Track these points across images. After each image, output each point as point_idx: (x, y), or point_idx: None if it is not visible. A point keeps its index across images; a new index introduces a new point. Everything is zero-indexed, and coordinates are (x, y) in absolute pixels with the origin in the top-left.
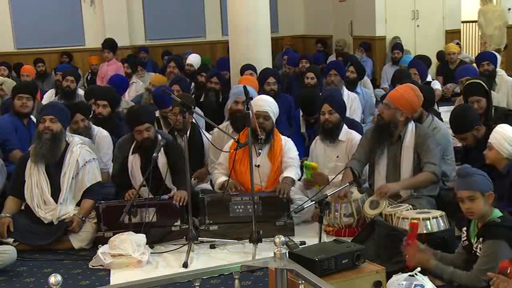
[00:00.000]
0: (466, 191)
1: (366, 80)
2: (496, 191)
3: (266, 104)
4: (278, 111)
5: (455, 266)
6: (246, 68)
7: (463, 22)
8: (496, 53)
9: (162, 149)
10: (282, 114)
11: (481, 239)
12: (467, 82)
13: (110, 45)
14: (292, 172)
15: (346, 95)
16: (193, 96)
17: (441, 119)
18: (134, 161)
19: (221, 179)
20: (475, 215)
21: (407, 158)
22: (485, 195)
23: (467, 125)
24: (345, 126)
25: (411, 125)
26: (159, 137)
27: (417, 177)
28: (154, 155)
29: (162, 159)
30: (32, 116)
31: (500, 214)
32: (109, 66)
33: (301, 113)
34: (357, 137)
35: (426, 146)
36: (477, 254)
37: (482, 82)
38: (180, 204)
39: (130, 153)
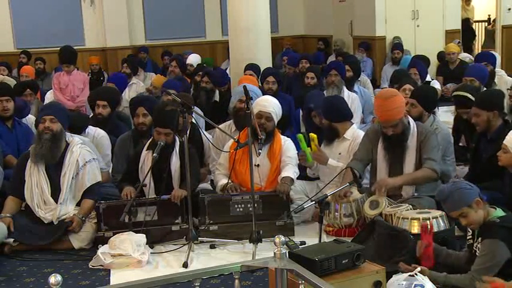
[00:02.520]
0: (454, 212)
1: (366, 79)
2: (506, 193)
3: (269, 105)
4: (281, 113)
5: (457, 266)
6: (248, 67)
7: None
8: (495, 53)
9: (177, 152)
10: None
11: (479, 239)
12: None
13: (68, 58)
14: (290, 171)
15: (347, 95)
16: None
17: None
18: (147, 157)
19: (222, 181)
20: (475, 225)
21: (410, 158)
22: (472, 205)
23: (488, 103)
24: (353, 125)
25: (412, 124)
26: (177, 140)
27: (416, 173)
28: (154, 155)
29: (176, 163)
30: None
31: (502, 214)
32: (72, 76)
33: (301, 113)
34: (362, 136)
35: (428, 143)
36: (476, 253)
37: (469, 96)
38: (177, 201)
39: (145, 148)
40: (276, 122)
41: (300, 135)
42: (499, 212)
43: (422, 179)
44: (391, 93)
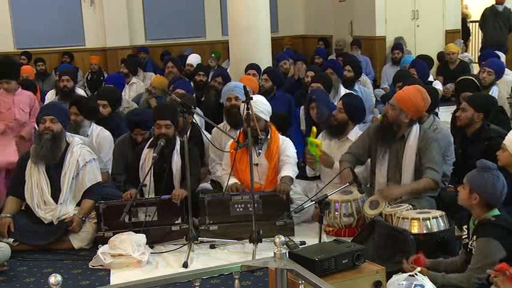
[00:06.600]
0: None
1: (366, 79)
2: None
3: (254, 105)
4: (270, 110)
5: (457, 269)
6: (250, 67)
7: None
8: (500, 53)
9: (178, 151)
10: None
11: (474, 237)
12: (461, 78)
13: (6, 72)
14: (289, 170)
15: (343, 94)
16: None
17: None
18: (148, 156)
19: (232, 179)
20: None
21: (409, 159)
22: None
23: (479, 103)
24: (356, 127)
25: (416, 127)
26: (177, 139)
27: (418, 183)
28: (154, 154)
29: (177, 162)
30: None
31: (497, 213)
32: (17, 97)
33: (301, 111)
34: None
35: (429, 150)
36: (472, 252)
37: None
38: (177, 201)
39: (146, 146)
40: (267, 119)
41: (310, 139)
42: (494, 211)
43: (423, 189)
44: (421, 93)
